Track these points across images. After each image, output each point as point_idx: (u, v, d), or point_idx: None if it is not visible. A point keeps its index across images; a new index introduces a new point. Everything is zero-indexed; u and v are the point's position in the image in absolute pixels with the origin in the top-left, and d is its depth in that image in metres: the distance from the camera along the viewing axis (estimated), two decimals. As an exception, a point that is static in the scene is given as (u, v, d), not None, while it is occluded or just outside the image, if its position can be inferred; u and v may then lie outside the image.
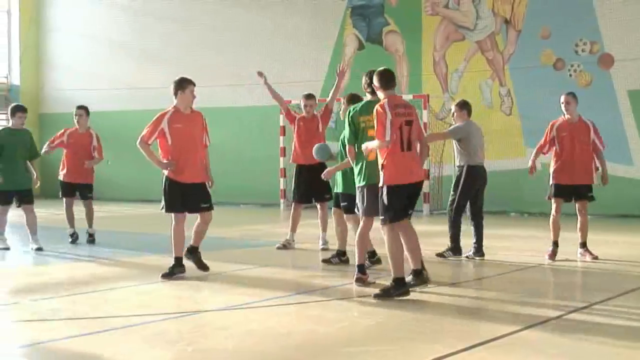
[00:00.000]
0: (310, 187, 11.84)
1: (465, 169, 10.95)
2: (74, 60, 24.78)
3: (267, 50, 21.56)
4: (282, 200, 20.26)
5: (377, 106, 8.24)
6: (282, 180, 20.26)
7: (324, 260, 10.41)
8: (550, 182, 11.06)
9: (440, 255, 10.96)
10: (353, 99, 9.75)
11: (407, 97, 19.42)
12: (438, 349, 5.97)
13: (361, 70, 20.04)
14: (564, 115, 10.99)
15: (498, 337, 6.35)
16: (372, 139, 8.19)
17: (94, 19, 24.65)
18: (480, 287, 9.21)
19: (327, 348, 6.14)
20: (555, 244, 10.93)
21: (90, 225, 12.94)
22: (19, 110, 12.10)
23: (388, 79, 8.44)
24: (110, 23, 24.32)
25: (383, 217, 8.01)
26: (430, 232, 15.05)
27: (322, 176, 9.94)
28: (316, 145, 10.45)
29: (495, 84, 18.95)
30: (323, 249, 11.65)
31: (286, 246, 11.91)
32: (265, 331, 6.66)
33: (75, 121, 13.25)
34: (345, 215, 9.96)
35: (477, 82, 19.15)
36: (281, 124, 20.17)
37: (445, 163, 19.04)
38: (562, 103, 10.95)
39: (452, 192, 11.06)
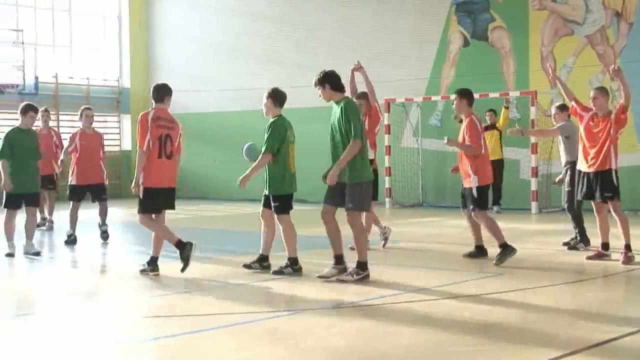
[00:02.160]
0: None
1: (573, 164, 11.00)
2: (181, 62, 25.26)
3: (368, 48, 21.51)
4: (387, 199, 20.20)
5: (471, 118, 10.08)
6: (387, 178, 20.20)
7: (245, 265, 9.75)
8: None
9: (572, 248, 11.29)
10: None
11: (514, 94, 19.15)
12: (548, 352, 5.85)
13: (467, 67, 20.05)
14: None
15: (600, 343, 6.17)
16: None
17: (201, 22, 25.08)
18: (604, 285, 9.01)
19: (437, 347, 6.09)
20: None
21: (103, 222, 12.97)
22: (31, 109, 11.55)
23: None
24: (217, 25, 24.69)
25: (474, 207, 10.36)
26: (540, 231, 14.81)
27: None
28: (247, 145, 9.97)
29: (605, 79, 18.45)
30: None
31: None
32: (374, 330, 6.65)
33: (83, 122, 13.09)
34: (278, 217, 9.56)
35: (586, 77, 18.68)
36: (386, 122, 20.11)
37: (554, 160, 18.62)
38: None
39: (568, 188, 11.18)
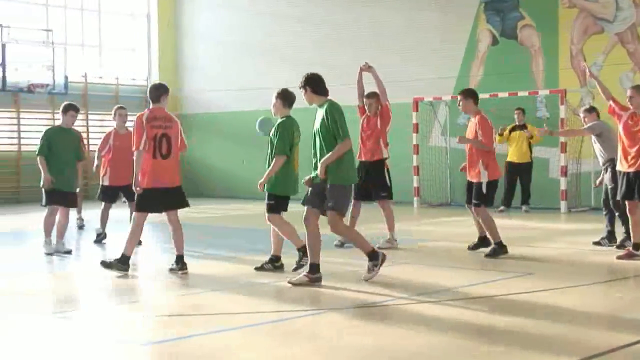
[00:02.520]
0: (367, 184, 11.69)
1: (613, 161, 10.96)
2: (209, 62, 25.34)
3: (396, 46, 21.48)
4: (415, 198, 20.15)
5: (481, 115, 10.39)
6: (415, 178, 20.16)
7: (257, 268, 9.68)
8: None
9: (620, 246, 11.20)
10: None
11: (544, 92, 19.03)
12: (575, 354, 5.81)
13: (496, 65, 19.95)
14: None
15: (628, 345, 6.12)
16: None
17: (229, 22, 25.14)
18: (634, 285, 8.93)
19: (464, 348, 6.06)
20: None
21: None
22: (71, 108, 11.59)
23: None
24: (244, 25, 24.73)
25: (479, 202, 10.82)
26: (569, 231, 14.73)
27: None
28: (260, 120, 10.25)
29: (636, 77, 18.29)
30: (381, 248, 11.53)
31: (343, 244, 11.59)
32: (401, 329, 6.64)
33: (116, 122, 12.90)
34: (268, 215, 9.58)
35: (617, 75, 18.52)
36: (414, 121, 20.07)
37: (584, 159, 18.49)
38: None
39: (611, 184, 11.13)
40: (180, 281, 9.26)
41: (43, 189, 11.35)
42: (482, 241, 11.21)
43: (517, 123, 18.12)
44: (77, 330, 6.96)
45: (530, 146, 18.17)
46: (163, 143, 9.57)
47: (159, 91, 9.86)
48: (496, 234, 10.82)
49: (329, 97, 8.86)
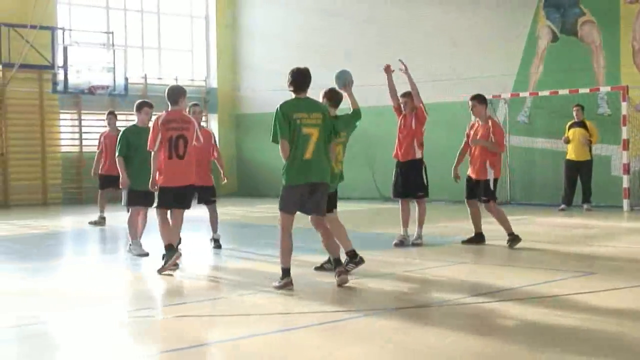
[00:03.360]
0: (405, 183, 12.15)
1: None
2: (267, 61, 25.45)
3: (455, 45, 21.35)
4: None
5: (494, 120, 10.98)
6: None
7: (317, 268, 9.66)
8: None
9: None
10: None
11: (605, 89, 18.74)
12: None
13: (556, 62, 19.70)
14: None
15: None
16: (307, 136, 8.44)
17: (286, 21, 25.23)
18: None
19: (529, 348, 6.00)
20: None
21: (215, 230, 12.12)
22: (145, 105, 11.56)
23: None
24: (301, 24, 24.80)
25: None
26: (633, 229, 14.51)
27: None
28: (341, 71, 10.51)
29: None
30: (414, 244, 11.92)
31: (403, 242, 11.90)
32: (466, 329, 6.59)
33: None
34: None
35: (678, 72, 18.19)
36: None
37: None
38: None
39: None
40: (239, 281, 9.31)
41: (123, 190, 11.43)
42: (480, 236, 11.95)
43: (575, 120, 17.89)
44: (142, 330, 7.05)
45: (590, 146, 17.91)
46: (180, 144, 9.84)
47: (176, 94, 10.08)
48: (509, 225, 11.65)
49: (296, 96, 8.93)
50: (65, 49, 22.26)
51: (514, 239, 11.61)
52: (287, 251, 8.51)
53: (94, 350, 6.24)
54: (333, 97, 9.75)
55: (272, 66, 25.24)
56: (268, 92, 24.97)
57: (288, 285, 8.38)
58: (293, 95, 8.82)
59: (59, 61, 22.36)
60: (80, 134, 23.43)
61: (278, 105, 8.63)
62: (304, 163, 8.43)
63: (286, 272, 8.45)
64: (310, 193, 8.53)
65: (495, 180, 11.85)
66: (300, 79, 8.92)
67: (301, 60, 24.30)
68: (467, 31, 21.34)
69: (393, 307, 7.51)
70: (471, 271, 9.74)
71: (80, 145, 23.25)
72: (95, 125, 22.90)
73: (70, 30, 22.96)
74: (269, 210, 19.28)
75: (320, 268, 9.58)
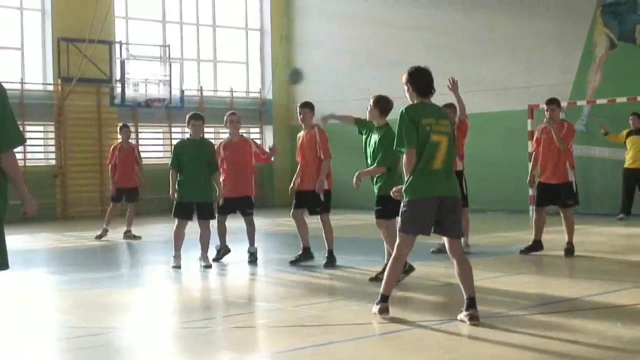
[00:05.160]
0: None
1: None
2: (322, 72, 25.49)
3: (512, 53, 21.18)
4: (531, 207, 19.75)
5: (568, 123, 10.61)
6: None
7: (371, 279, 9.58)
8: None
9: None
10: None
11: (665, 96, 18.43)
12: None
13: (614, 70, 19.42)
14: None
15: None
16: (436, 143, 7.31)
17: (341, 32, 25.24)
18: None
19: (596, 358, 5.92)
20: None
21: (252, 243, 11.99)
22: (192, 118, 11.54)
23: None
24: (357, 35, 24.80)
25: None
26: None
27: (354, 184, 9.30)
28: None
29: None
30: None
31: (441, 250, 11.29)
32: (522, 340, 6.51)
33: (231, 130, 12.35)
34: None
35: None
36: (529, 128, 19.71)
37: None
38: None
39: None
40: (297, 292, 9.32)
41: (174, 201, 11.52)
42: (539, 244, 11.76)
43: (632, 128, 17.63)
44: (202, 340, 7.09)
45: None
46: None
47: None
48: (573, 235, 11.59)
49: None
50: (122, 63, 22.56)
51: (571, 249, 11.53)
52: (394, 277, 7.59)
53: (154, 361, 6.29)
54: (385, 105, 9.65)
55: (326, 77, 25.29)
56: (323, 103, 25.00)
57: (385, 311, 7.44)
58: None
59: (117, 75, 22.67)
60: (137, 146, 23.67)
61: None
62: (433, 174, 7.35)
63: (385, 298, 7.46)
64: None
65: (575, 183, 11.78)
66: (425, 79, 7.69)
67: (356, 70, 24.48)
68: (524, 40, 21.15)
69: (451, 318, 7.43)
70: (529, 281, 9.61)
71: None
72: (152, 138, 23.17)
73: (128, 44, 23.29)
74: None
75: (375, 279, 9.44)
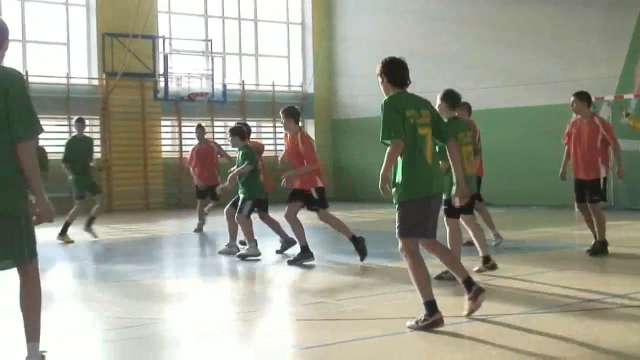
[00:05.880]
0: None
1: None
2: (364, 67, 25.40)
3: (557, 47, 20.96)
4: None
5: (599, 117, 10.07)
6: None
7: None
8: None
9: None
10: None
11: None
12: None
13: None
14: None
15: None
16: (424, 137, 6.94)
17: (382, 26, 25.18)
18: None
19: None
20: None
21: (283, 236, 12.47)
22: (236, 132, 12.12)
23: None
24: (398, 28, 24.71)
25: None
26: None
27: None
28: None
29: None
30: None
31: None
32: (570, 337, 6.45)
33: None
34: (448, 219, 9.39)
35: None
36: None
37: None
38: None
39: None
40: (336, 286, 9.32)
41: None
42: (603, 245, 11.25)
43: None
44: (247, 332, 7.13)
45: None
46: None
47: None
48: (604, 232, 11.21)
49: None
50: (165, 57, 22.72)
51: (598, 247, 11.13)
52: (422, 282, 6.89)
53: (203, 352, 6.34)
54: (453, 98, 9.50)
55: (368, 71, 25.06)
56: (364, 97, 24.98)
57: (439, 323, 6.73)
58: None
59: (160, 69, 22.84)
60: (180, 140, 23.87)
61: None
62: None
63: (430, 305, 6.77)
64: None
65: (605, 180, 11.45)
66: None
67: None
68: (569, 33, 20.92)
69: (494, 314, 7.38)
70: (575, 277, 9.51)
71: (180, 151, 23.65)
72: (194, 132, 23.25)
73: (171, 38, 23.43)
74: (365, 215, 19.31)
75: (439, 278, 9.13)
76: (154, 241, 15.05)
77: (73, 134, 15.58)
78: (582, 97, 11.55)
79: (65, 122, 21.76)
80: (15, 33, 21.47)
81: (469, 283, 7.12)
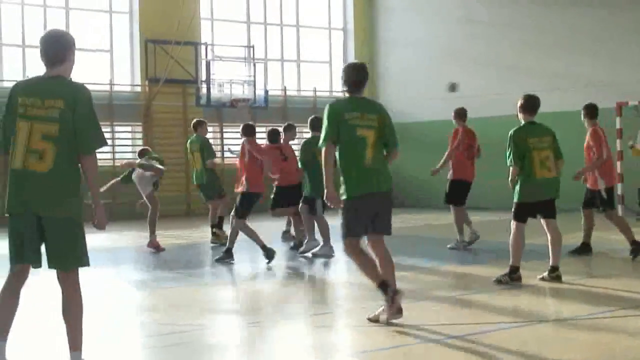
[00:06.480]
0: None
1: None
2: (405, 71, 25.41)
3: (598, 50, 20.75)
4: (620, 206, 19.31)
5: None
6: (619, 185, 19.34)
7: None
8: None
9: None
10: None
11: None
12: None
13: None
14: None
15: None
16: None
17: (423, 30, 25.08)
18: None
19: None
20: None
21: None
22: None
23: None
24: (439, 32, 24.60)
25: None
26: None
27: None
28: None
29: None
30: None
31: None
32: (606, 344, 6.38)
33: None
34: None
35: None
36: (617, 126, 19.26)
37: None
38: None
39: None
40: (364, 292, 9.31)
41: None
42: (585, 247, 11.75)
43: None
44: (285, 339, 7.14)
45: None
46: None
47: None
48: (631, 234, 11.39)
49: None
50: (208, 64, 22.87)
51: (636, 249, 11.31)
52: (372, 277, 7.29)
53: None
54: (527, 104, 9.63)
55: (409, 76, 25.18)
56: (406, 102, 24.91)
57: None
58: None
59: (202, 75, 22.99)
60: (222, 145, 23.97)
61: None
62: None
63: (383, 286, 7.16)
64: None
65: (610, 189, 11.68)
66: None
67: (440, 68, 24.29)
68: (610, 36, 20.69)
69: (522, 321, 7.32)
70: (610, 284, 9.41)
71: (222, 157, 23.76)
72: (236, 137, 23.36)
73: (213, 45, 23.58)
74: (404, 221, 19.24)
75: (498, 282, 9.24)
76: (196, 247, 15.13)
77: None
78: (585, 109, 11.97)
79: (109, 129, 21.98)
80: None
81: (383, 286, 7.16)
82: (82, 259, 5.55)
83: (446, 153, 13.22)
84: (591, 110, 11.86)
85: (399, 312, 7.13)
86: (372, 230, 7.31)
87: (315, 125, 11.99)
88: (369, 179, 7.25)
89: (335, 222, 8.03)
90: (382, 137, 7.39)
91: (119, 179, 14.69)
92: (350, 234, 7.25)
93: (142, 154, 14.91)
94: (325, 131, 7.25)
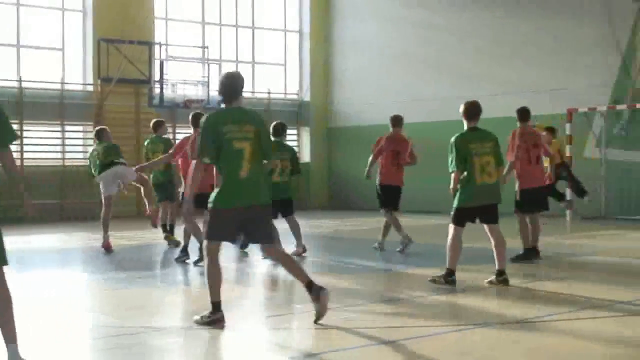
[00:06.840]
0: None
1: None
2: (360, 75, 25.50)
3: (551, 57, 21.02)
4: (568, 212, 19.58)
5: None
6: (567, 191, 19.60)
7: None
8: None
9: None
10: None
11: None
12: None
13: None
14: None
15: None
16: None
17: (379, 34, 25.19)
18: None
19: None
20: None
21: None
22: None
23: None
24: (394, 37, 24.74)
25: None
26: None
27: None
28: None
29: None
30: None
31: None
32: (560, 347, 6.45)
33: None
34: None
35: None
36: (567, 132, 19.53)
37: None
38: None
39: None
40: (334, 295, 9.32)
41: None
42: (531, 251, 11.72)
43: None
44: (243, 341, 7.12)
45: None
46: None
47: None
48: (527, 241, 11.59)
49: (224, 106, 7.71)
50: (161, 64, 22.74)
51: (521, 256, 11.52)
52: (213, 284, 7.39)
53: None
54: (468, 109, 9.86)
55: (364, 79, 25.29)
56: (360, 105, 25.02)
57: (220, 321, 7.36)
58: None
59: (156, 75, 22.85)
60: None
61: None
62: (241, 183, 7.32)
63: (216, 305, 7.37)
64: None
65: (524, 191, 11.60)
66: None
67: (394, 72, 24.42)
68: (563, 44, 20.99)
69: (483, 322, 7.39)
70: (567, 286, 9.53)
71: (176, 158, 23.62)
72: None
73: (167, 45, 23.45)
74: (360, 224, 19.29)
75: (433, 281, 9.37)
76: (148, 248, 15.04)
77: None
78: (516, 112, 12.11)
79: (59, 128, 21.75)
80: (10, 38, 21.50)
81: (309, 286, 7.37)
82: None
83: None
84: (520, 113, 11.98)
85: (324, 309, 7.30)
86: (253, 241, 7.54)
87: None
88: (244, 192, 7.26)
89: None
90: (259, 148, 7.38)
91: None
92: (212, 238, 7.35)
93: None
94: (199, 145, 7.25)
